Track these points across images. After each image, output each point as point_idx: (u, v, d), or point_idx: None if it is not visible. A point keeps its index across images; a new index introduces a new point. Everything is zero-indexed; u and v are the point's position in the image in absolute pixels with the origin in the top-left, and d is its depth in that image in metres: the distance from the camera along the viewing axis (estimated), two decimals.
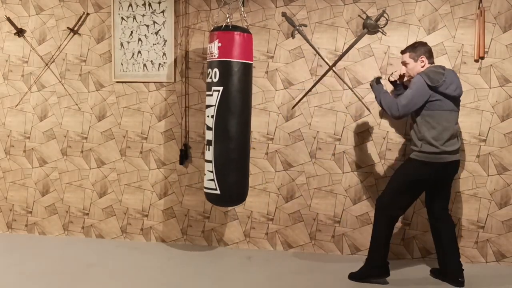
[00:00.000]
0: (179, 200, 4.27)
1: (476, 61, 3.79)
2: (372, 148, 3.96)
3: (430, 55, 3.35)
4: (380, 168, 3.95)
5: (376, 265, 3.39)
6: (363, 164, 3.98)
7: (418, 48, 3.34)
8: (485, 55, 3.77)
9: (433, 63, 3.37)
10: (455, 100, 3.28)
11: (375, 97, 3.43)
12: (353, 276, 3.46)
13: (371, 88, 3.48)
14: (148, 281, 3.41)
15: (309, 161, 4.06)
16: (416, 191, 3.38)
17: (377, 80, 3.45)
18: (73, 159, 4.40)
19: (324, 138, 4.03)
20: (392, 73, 3.54)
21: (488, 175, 3.82)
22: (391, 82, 3.56)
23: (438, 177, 3.33)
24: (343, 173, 4.01)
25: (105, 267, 3.68)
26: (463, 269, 3.40)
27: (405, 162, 3.47)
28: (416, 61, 3.34)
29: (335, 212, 4.04)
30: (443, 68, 3.28)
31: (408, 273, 3.62)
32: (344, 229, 4.04)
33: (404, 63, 3.40)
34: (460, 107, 3.80)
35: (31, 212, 4.48)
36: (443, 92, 3.19)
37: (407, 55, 3.37)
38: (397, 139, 3.93)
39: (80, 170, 4.39)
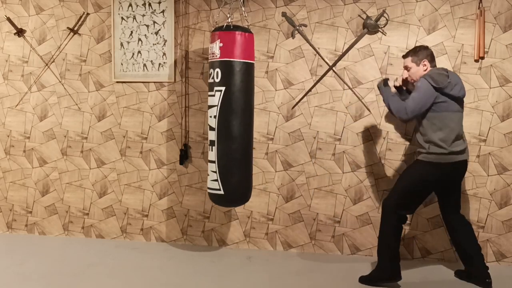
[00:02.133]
0: (179, 200, 4.27)
1: (476, 61, 3.79)
2: (372, 148, 3.96)
3: (432, 59, 3.35)
4: (380, 168, 3.95)
5: (386, 267, 3.33)
6: (363, 164, 3.98)
7: (420, 52, 3.34)
8: (485, 55, 3.77)
9: (435, 66, 3.37)
10: (460, 101, 3.28)
11: (383, 100, 3.41)
12: (363, 280, 3.40)
13: (379, 90, 3.47)
14: (148, 281, 3.41)
15: (309, 161, 4.06)
16: (424, 192, 3.36)
17: (385, 82, 3.44)
18: (73, 159, 4.40)
19: (324, 138, 4.03)
20: (396, 78, 3.54)
21: (488, 175, 3.82)
22: (396, 87, 3.54)
23: (447, 178, 3.32)
24: (343, 173, 4.01)
25: (105, 267, 3.68)
26: (488, 268, 3.37)
27: (413, 164, 3.44)
28: (418, 65, 3.33)
29: (335, 212, 4.04)
30: (446, 70, 3.28)
31: (408, 273, 3.61)
32: (344, 229, 4.03)
33: (407, 68, 3.38)
34: None
35: (31, 212, 4.48)
36: (449, 93, 3.19)
37: (409, 59, 3.36)
38: (397, 139, 3.93)
39: (80, 170, 4.39)
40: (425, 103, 3.21)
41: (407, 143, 3.90)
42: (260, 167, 4.13)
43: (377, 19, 3.87)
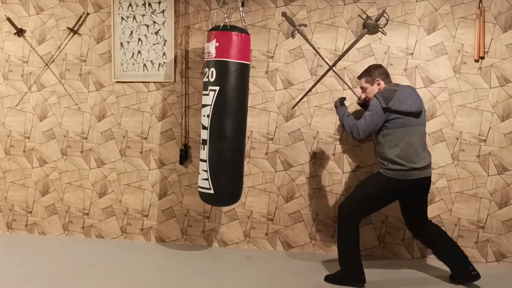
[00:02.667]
0: (179, 200, 4.27)
1: (476, 61, 3.79)
2: (371, 148, 3.96)
3: (385, 76, 3.41)
4: None
5: (349, 270, 3.33)
6: (363, 164, 3.98)
7: (372, 72, 3.42)
8: (485, 55, 3.77)
9: (390, 82, 3.42)
10: (417, 115, 3.26)
11: (338, 119, 3.48)
12: (328, 278, 3.42)
13: (335, 109, 3.54)
14: (148, 281, 3.41)
15: (309, 161, 4.06)
16: (382, 203, 3.41)
17: (341, 101, 3.51)
18: (73, 159, 4.40)
19: (324, 138, 4.03)
20: (359, 97, 3.60)
21: (488, 175, 3.82)
22: (360, 105, 3.62)
23: (407, 193, 3.33)
24: (343, 173, 4.01)
25: (105, 267, 3.68)
26: (469, 261, 3.34)
27: (374, 175, 3.46)
28: (372, 84, 3.40)
29: (335, 212, 4.03)
30: (397, 85, 3.34)
31: (408, 273, 3.62)
32: None
33: (362, 88, 3.47)
34: (460, 107, 3.83)
35: (31, 212, 4.48)
36: (398, 110, 3.20)
37: (363, 80, 3.44)
38: None
39: (80, 170, 4.39)
40: (377, 122, 3.25)
41: None
42: (260, 167, 4.13)
43: (377, 19, 3.87)
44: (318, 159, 4.05)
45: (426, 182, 3.33)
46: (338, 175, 4.02)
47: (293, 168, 4.09)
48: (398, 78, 3.85)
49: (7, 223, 4.52)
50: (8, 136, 4.47)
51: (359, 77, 3.50)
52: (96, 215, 4.40)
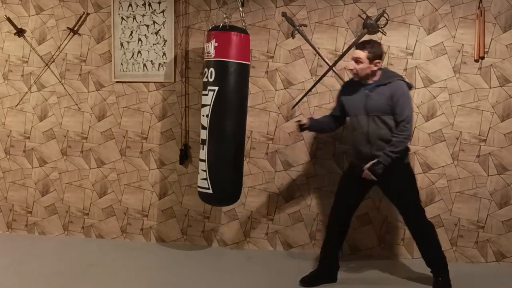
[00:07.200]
0: (179, 200, 4.27)
1: (476, 61, 3.79)
2: None
3: (381, 60, 3.19)
4: None
5: (448, 279, 3.24)
6: None
7: (377, 50, 3.12)
8: (485, 55, 3.77)
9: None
10: None
11: (394, 155, 3.08)
12: None
13: (388, 160, 3.09)
14: (148, 281, 3.41)
15: (309, 161, 4.05)
16: None
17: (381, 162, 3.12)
18: (73, 159, 4.40)
19: (324, 138, 4.02)
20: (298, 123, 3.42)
21: (488, 175, 3.82)
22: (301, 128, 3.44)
23: None
24: (343, 173, 4.00)
25: (105, 267, 3.68)
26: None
27: (403, 171, 3.24)
28: (371, 63, 3.11)
29: None
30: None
31: (408, 273, 3.62)
32: None
33: (357, 60, 3.12)
34: (460, 107, 3.83)
35: (31, 212, 4.48)
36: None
37: (365, 53, 3.09)
38: None
39: (80, 170, 4.39)
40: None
41: None
42: (260, 167, 4.12)
43: (377, 19, 3.86)
44: (318, 159, 4.05)
45: None
46: (338, 175, 4.01)
47: (293, 168, 4.08)
48: None
49: (7, 223, 4.52)
50: (8, 136, 4.47)
51: (359, 48, 3.13)
52: (96, 215, 4.40)
